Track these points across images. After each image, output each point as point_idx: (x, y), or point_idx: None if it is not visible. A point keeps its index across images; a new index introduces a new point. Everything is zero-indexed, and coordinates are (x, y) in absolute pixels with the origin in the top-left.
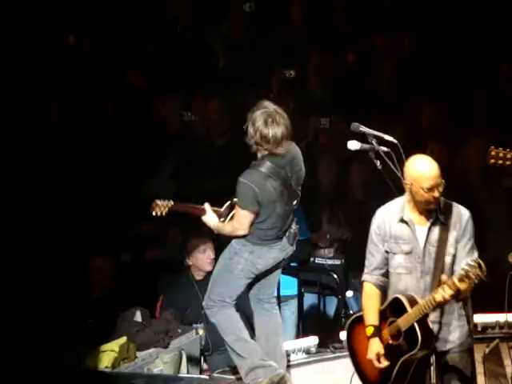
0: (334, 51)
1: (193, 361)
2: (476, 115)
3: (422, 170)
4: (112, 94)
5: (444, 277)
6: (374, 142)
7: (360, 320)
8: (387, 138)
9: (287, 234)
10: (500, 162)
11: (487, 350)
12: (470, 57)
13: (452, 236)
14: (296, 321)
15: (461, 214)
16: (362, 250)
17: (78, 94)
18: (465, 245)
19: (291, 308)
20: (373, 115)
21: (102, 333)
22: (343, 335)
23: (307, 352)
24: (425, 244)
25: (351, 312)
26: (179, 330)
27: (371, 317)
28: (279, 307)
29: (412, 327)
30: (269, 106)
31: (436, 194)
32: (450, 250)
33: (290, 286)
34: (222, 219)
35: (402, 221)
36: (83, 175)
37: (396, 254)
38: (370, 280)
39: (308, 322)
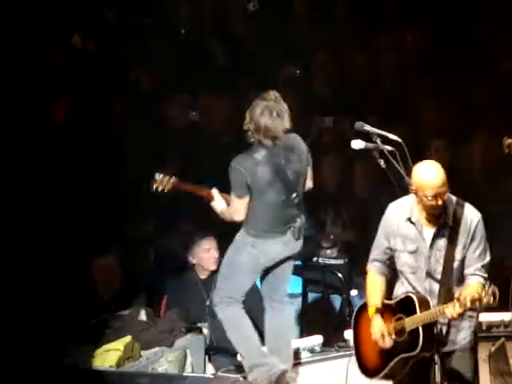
0: (338, 50)
1: (197, 360)
2: (481, 113)
3: (425, 178)
4: (118, 94)
5: (457, 293)
6: (378, 140)
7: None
8: (391, 136)
9: (291, 229)
10: None
11: (493, 349)
12: (473, 54)
13: (460, 241)
14: (300, 320)
15: (470, 219)
16: (365, 250)
17: (85, 95)
18: (474, 249)
19: (295, 307)
20: (376, 114)
21: (106, 332)
22: (348, 334)
23: (311, 351)
24: (430, 246)
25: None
26: (184, 329)
27: (373, 298)
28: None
29: (416, 329)
30: (271, 96)
31: (439, 202)
32: (457, 255)
33: (294, 284)
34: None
35: (410, 221)
36: (88, 174)
37: (402, 253)
38: (371, 268)
39: (312, 321)
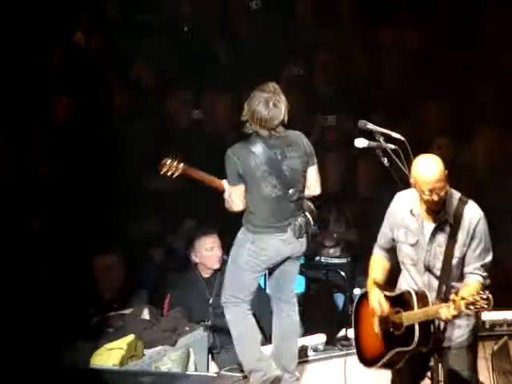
0: (341, 49)
1: (200, 358)
2: (483, 111)
3: (422, 172)
4: (120, 92)
5: (452, 295)
6: (381, 139)
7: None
8: (394, 135)
9: (291, 226)
10: None
11: (495, 348)
12: (476, 52)
13: (460, 239)
14: (303, 318)
15: (470, 217)
16: (368, 249)
17: (87, 93)
18: (475, 248)
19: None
20: (379, 112)
21: (109, 331)
22: (351, 333)
23: (315, 350)
24: (429, 241)
25: None
26: (187, 328)
27: (373, 273)
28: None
29: (413, 324)
30: (270, 88)
31: (435, 197)
32: (456, 252)
33: (297, 283)
34: None
35: (412, 213)
36: (89, 172)
37: (404, 244)
38: (375, 252)
39: (315, 320)
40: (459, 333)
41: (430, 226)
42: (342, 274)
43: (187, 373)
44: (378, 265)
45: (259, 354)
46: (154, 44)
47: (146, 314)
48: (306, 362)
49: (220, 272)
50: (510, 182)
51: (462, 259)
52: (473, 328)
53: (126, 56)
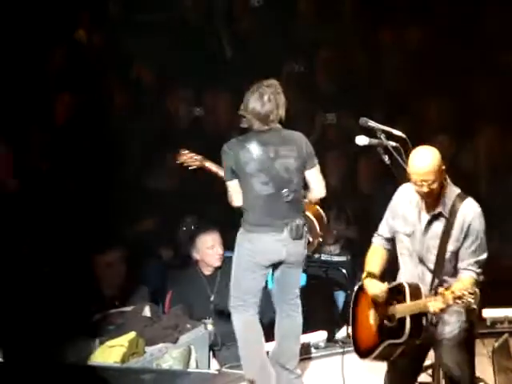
0: (342, 46)
1: (202, 356)
2: (484, 109)
3: (414, 162)
4: (120, 90)
5: (441, 289)
6: (382, 136)
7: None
8: (396, 132)
9: (288, 227)
10: None
11: (496, 345)
12: (476, 51)
13: (453, 234)
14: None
15: (466, 213)
16: (368, 247)
17: (88, 90)
18: (469, 245)
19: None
20: (380, 110)
21: (111, 328)
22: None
23: (316, 347)
24: (423, 232)
25: None
26: (188, 325)
27: (368, 266)
28: None
29: (405, 318)
30: (269, 83)
31: (425, 189)
32: (449, 247)
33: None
34: None
35: (411, 203)
36: (90, 170)
37: (401, 234)
38: (375, 242)
39: (316, 317)
40: (449, 329)
41: (426, 217)
42: (343, 271)
43: (188, 370)
44: (376, 256)
45: (262, 361)
46: (154, 42)
47: (147, 312)
48: (307, 359)
49: (221, 269)
50: (510, 181)
51: (456, 254)
52: (464, 325)
53: (126, 54)
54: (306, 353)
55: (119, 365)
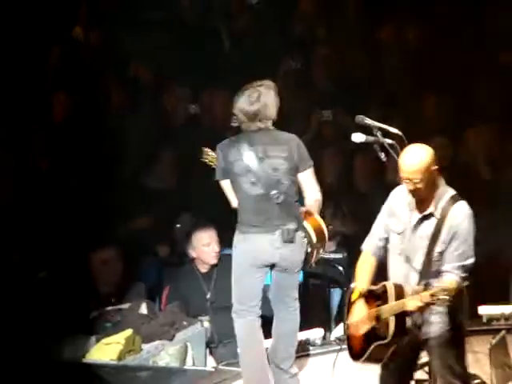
0: (340, 44)
1: (198, 353)
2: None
3: (403, 159)
4: (118, 88)
5: (420, 287)
6: (378, 134)
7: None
8: (392, 130)
9: (280, 230)
10: None
11: (493, 342)
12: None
13: (442, 235)
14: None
15: (456, 216)
16: None
17: (85, 89)
18: (456, 248)
19: None
20: (377, 108)
21: (107, 325)
22: None
23: (312, 344)
24: (412, 232)
25: None
26: (185, 323)
27: (360, 281)
28: None
29: (389, 318)
30: (261, 83)
31: (410, 187)
32: (437, 248)
33: None
34: None
35: (405, 202)
36: (86, 168)
37: (393, 232)
38: (366, 248)
39: (313, 314)
40: (433, 329)
41: (416, 216)
42: (340, 268)
43: (185, 367)
44: (366, 268)
45: (262, 365)
46: (151, 40)
47: (143, 309)
48: (304, 356)
49: (218, 267)
50: (508, 180)
51: (441, 254)
52: (449, 325)
53: (124, 53)
54: (302, 350)
55: (116, 362)
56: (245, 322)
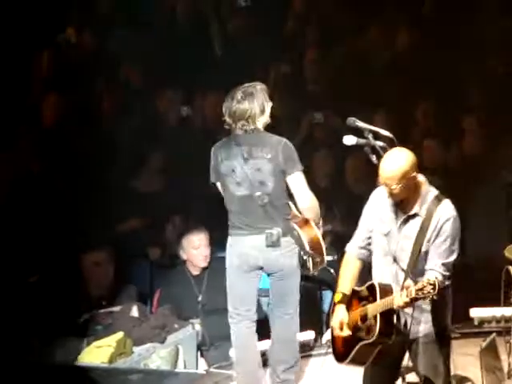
0: (329, 46)
1: (189, 356)
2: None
3: (381, 164)
4: (108, 91)
5: (408, 282)
6: (370, 136)
7: None
8: (383, 132)
9: (264, 234)
10: None
11: (484, 344)
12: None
13: (427, 235)
14: None
15: (441, 215)
16: None
17: (76, 91)
18: (439, 245)
19: None
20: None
21: (98, 328)
22: None
23: (303, 347)
24: (397, 233)
25: None
26: (176, 325)
27: (343, 284)
28: None
29: (375, 316)
30: (248, 84)
31: (387, 191)
32: (423, 247)
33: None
34: None
35: (387, 203)
36: (77, 171)
37: (377, 234)
38: (349, 251)
39: (304, 317)
40: (422, 327)
41: (400, 218)
42: (331, 270)
43: (176, 370)
44: (349, 272)
45: (255, 368)
46: (142, 43)
47: (135, 312)
48: None
49: (209, 269)
50: (497, 183)
51: (426, 254)
52: (437, 324)
53: (115, 54)
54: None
55: (107, 365)
56: (239, 330)
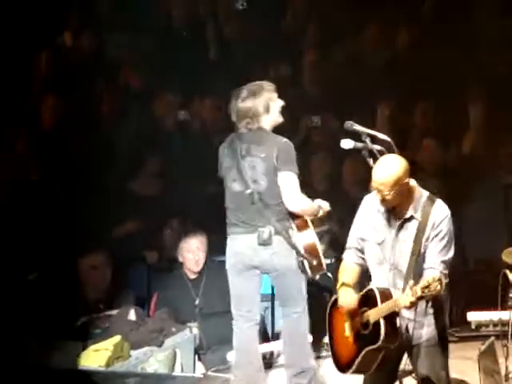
0: (328, 48)
1: (187, 359)
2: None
3: (374, 169)
4: (107, 93)
5: (411, 282)
6: (367, 140)
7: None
8: (381, 136)
9: (257, 233)
10: None
11: (482, 348)
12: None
13: (425, 235)
14: None
15: (436, 214)
16: None
17: (75, 95)
18: (436, 243)
19: None
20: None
21: (96, 332)
22: None
23: None
24: (394, 238)
25: None
26: (173, 329)
27: (343, 278)
28: (273, 305)
29: (379, 321)
30: (254, 83)
31: (379, 196)
32: (422, 249)
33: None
34: None
35: (379, 211)
36: (75, 174)
37: (370, 243)
38: (346, 257)
39: None
40: (426, 331)
41: (395, 223)
42: (329, 274)
43: (173, 374)
44: (347, 271)
45: (255, 369)
46: (141, 46)
47: (132, 315)
48: None
49: (206, 273)
50: (496, 183)
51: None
52: (437, 328)
53: (114, 58)
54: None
55: (104, 369)
56: (240, 332)
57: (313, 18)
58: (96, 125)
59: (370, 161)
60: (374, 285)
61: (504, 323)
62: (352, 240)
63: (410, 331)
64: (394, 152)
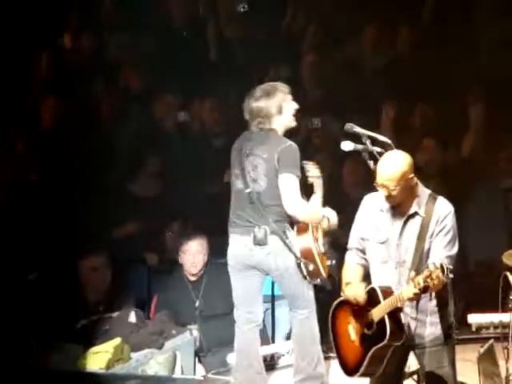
0: (328, 50)
1: (187, 362)
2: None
3: (379, 165)
4: (107, 94)
5: (412, 274)
6: (367, 142)
7: (342, 305)
8: (381, 138)
9: (252, 233)
10: None
11: (482, 350)
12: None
13: (429, 232)
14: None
15: (440, 210)
16: None
17: (74, 96)
18: (441, 239)
19: (286, 308)
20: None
21: (96, 334)
22: None
23: None
24: (399, 235)
25: None
26: (174, 331)
27: (347, 278)
28: (273, 307)
29: (383, 320)
30: (269, 84)
31: (384, 193)
32: (426, 245)
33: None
34: None
35: (381, 210)
36: (75, 175)
37: (373, 243)
38: (348, 258)
39: None
40: (429, 331)
41: (399, 221)
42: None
43: (174, 376)
44: (351, 271)
45: (255, 370)
46: (141, 47)
47: (132, 317)
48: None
49: (206, 275)
50: (499, 186)
51: (429, 250)
52: (443, 327)
53: (114, 59)
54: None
55: (104, 371)
56: (241, 333)
57: (313, 20)
58: (96, 125)
59: (371, 163)
60: (376, 284)
61: (504, 325)
62: (353, 240)
63: (413, 330)
64: None
